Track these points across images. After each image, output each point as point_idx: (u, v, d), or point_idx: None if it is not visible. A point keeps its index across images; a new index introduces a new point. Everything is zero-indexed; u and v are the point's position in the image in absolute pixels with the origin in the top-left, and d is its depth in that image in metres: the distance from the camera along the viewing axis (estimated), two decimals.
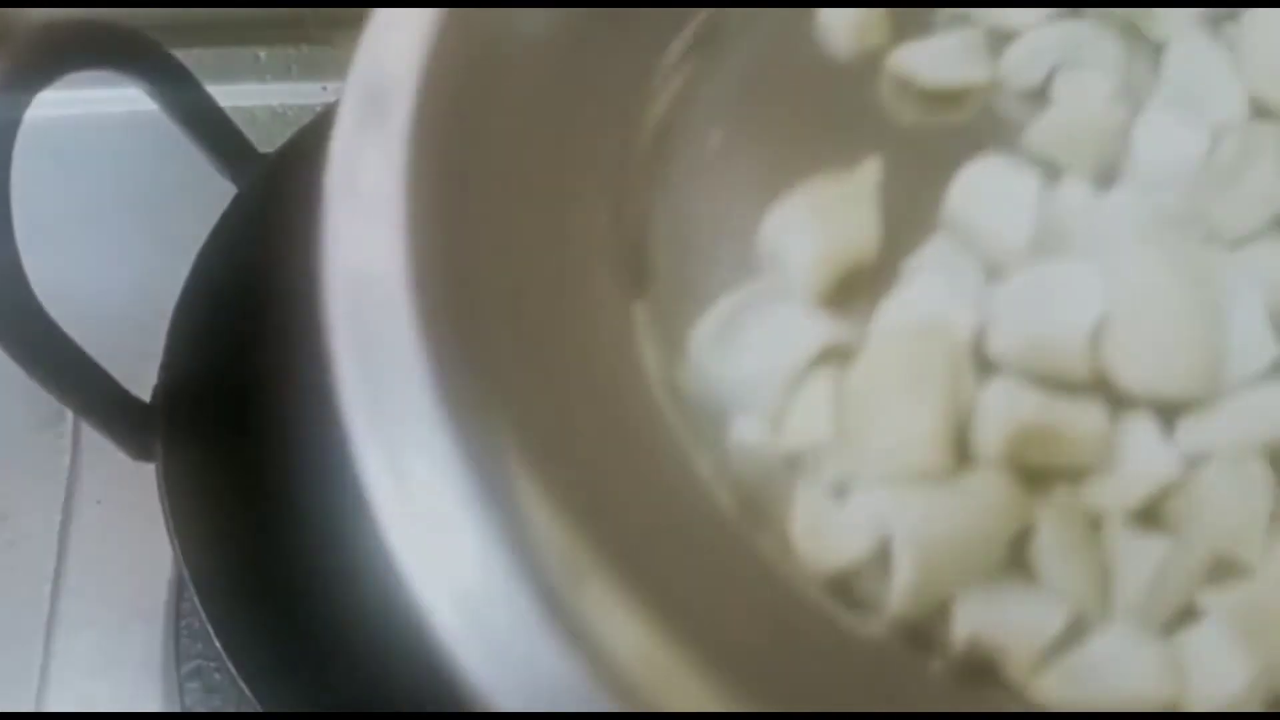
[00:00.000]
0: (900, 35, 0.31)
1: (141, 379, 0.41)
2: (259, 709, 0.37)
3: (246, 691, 0.37)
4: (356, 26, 0.72)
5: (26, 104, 0.34)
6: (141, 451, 0.39)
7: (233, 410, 0.43)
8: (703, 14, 0.31)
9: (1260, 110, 0.31)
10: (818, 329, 0.27)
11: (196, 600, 0.37)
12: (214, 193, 0.45)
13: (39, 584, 0.51)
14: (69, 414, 0.56)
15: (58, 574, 0.52)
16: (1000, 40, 0.32)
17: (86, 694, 0.49)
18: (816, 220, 0.27)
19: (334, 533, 0.44)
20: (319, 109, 0.66)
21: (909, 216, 0.29)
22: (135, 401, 0.39)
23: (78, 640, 0.51)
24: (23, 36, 0.35)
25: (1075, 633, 0.24)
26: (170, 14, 0.67)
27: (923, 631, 0.25)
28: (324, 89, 0.67)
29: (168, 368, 0.40)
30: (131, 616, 0.51)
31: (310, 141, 0.45)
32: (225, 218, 0.43)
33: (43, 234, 0.50)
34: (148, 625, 0.51)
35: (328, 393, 0.43)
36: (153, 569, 0.52)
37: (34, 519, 0.53)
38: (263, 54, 0.67)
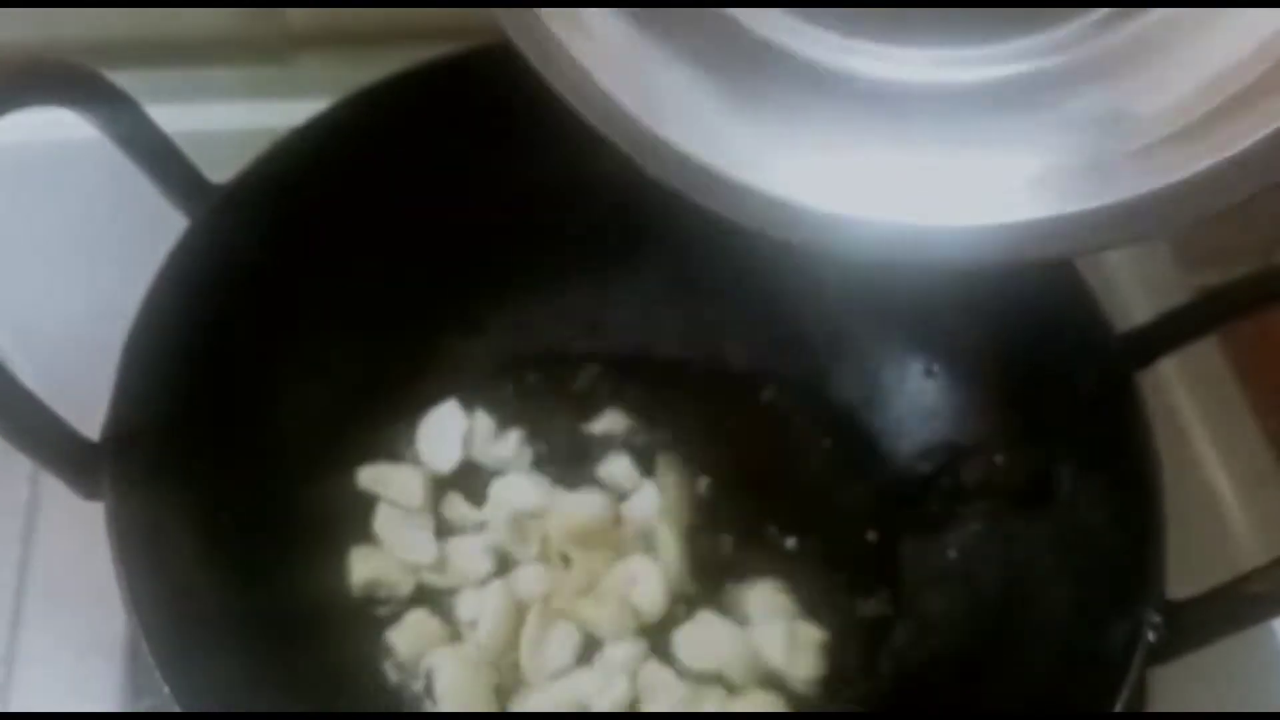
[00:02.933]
0: None
1: (89, 415, 0.40)
2: None
3: None
4: (311, 47, 0.71)
5: None
6: (90, 490, 0.39)
7: (182, 449, 0.42)
8: None
9: None
10: None
11: (145, 642, 0.36)
12: (166, 223, 0.45)
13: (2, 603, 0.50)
14: None
15: (17, 608, 0.51)
16: None
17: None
18: None
19: (282, 574, 0.44)
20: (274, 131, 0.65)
21: None
22: (83, 441, 0.38)
23: (37, 674, 0.50)
24: None
25: None
26: (121, 34, 0.66)
27: None
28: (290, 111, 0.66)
29: (117, 406, 0.39)
30: (90, 651, 0.50)
31: (260, 175, 0.44)
32: (176, 252, 0.42)
33: None
34: (106, 661, 0.50)
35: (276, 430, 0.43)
36: (111, 604, 0.50)
37: None
38: (219, 75, 0.67)
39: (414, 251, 0.49)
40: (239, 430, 0.45)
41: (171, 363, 0.42)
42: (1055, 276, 0.44)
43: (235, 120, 0.65)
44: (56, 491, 0.53)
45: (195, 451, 0.43)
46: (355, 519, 0.48)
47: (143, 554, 0.38)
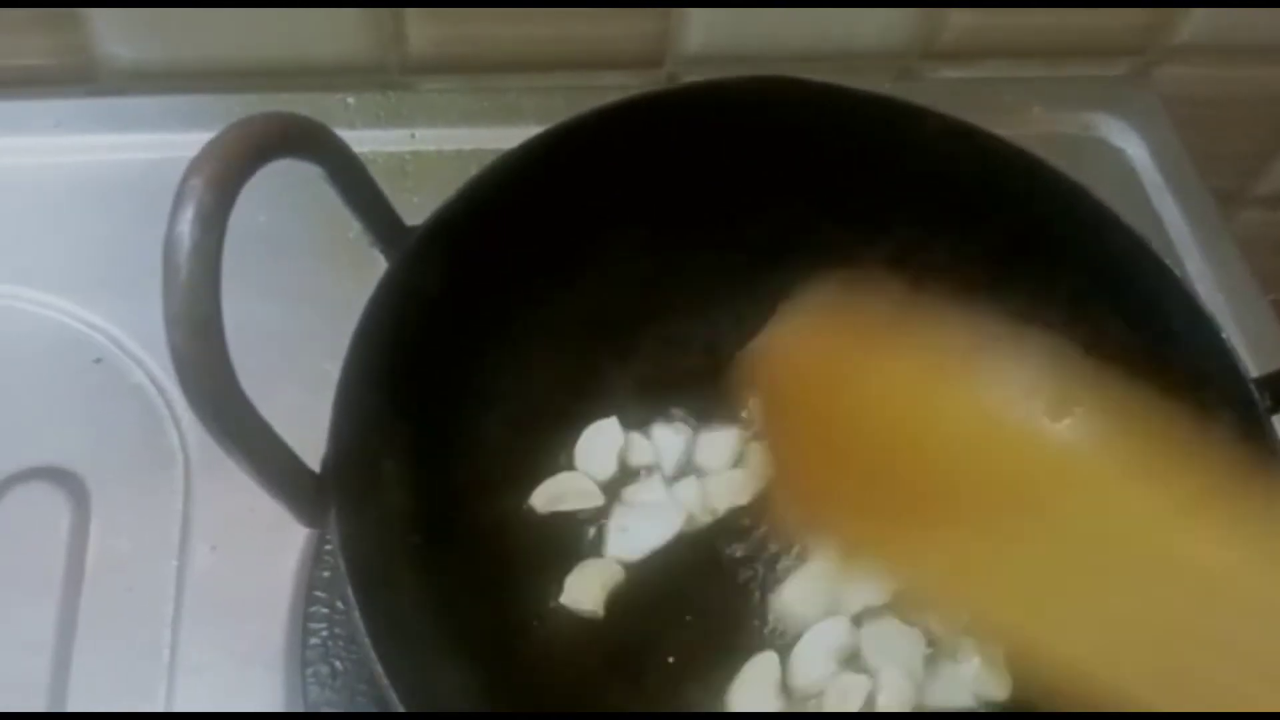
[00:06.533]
0: None
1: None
2: None
3: None
4: (440, 72, 0.74)
5: (235, 195, 0.36)
6: (313, 518, 0.41)
7: (381, 479, 0.45)
8: None
9: None
10: None
11: (373, 658, 0.39)
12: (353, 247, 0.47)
13: (158, 630, 0.53)
14: (180, 459, 0.57)
15: (176, 619, 0.53)
16: None
17: None
18: None
19: (505, 591, 0.46)
20: (408, 156, 0.68)
21: None
22: (309, 471, 0.41)
23: (199, 685, 0.52)
24: (225, 136, 0.36)
25: None
26: (257, 60, 0.69)
27: None
28: (412, 136, 0.69)
29: (337, 439, 0.41)
30: (251, 661, 0.52)
31: (451, 217, 0.47)
32: (378, 293, 0.45)
33: None
34: (268, 670, 0.52)
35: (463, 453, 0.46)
36: (269, 613, 0.53)
37: (150, 565, 0.54)
38: (351, 100, 0.69)
39: (578, 284, 0.52)
40: (425, 456, 0.47)
41: (372, 398, 0.44)
42: (1195, 328, 0.48)
43: (363, 145, 0.67)
44: (209, 502, 0.56)
45: (391, 478, 0.45)
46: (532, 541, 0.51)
47: (362, 571, 0.40)
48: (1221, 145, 0.85)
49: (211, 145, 0.36)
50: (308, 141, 0.40)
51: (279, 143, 0.38)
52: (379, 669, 0.38)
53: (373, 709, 0.49)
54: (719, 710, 0.47)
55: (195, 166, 0.35)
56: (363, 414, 0.43)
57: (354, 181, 0.43)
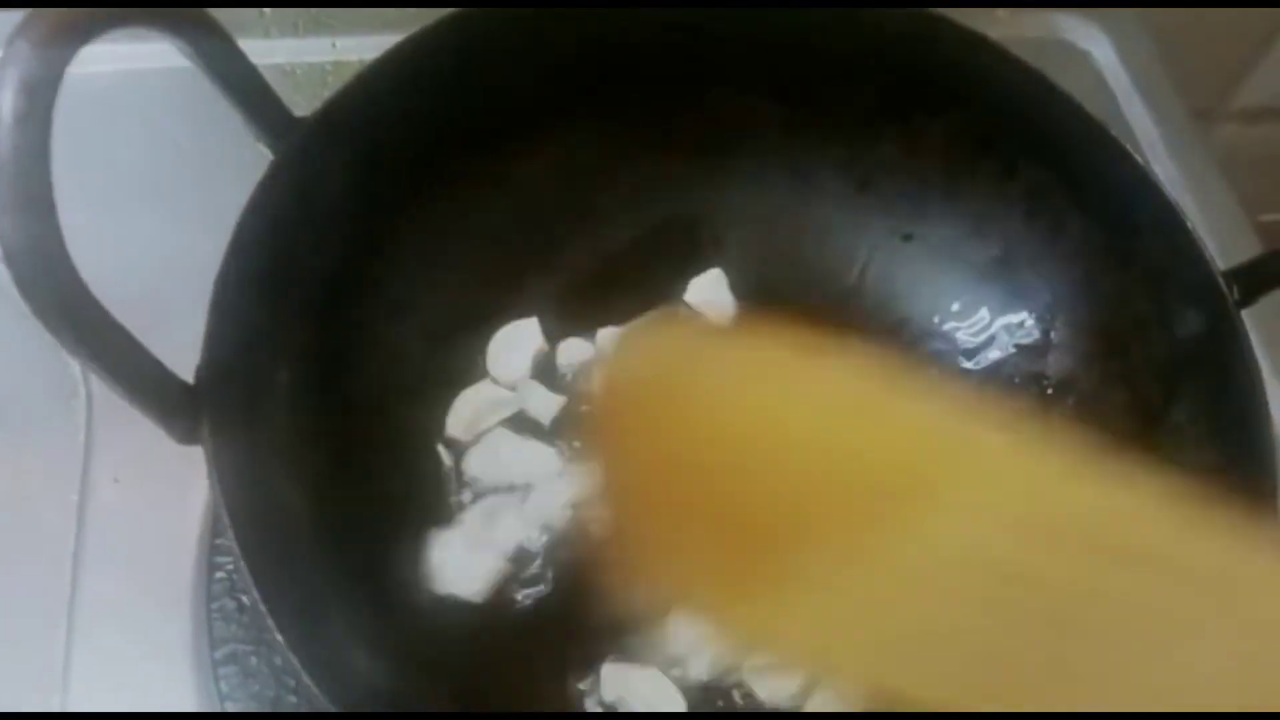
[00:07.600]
0: None
1: (172, 353, 0.38)
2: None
3: (309, 681, 0.35)
4: None
5: (66, 62, 0.32)
6: (186, 434, 0.37)
7: (269, 389, 0.41)
8: None
9: None
10: None
11: (254, 590, 0.35)
12: (248, 154, 0.43)
13: (58, 565, 0.49)
14: (82, 390, 0.54)
15: (77, 554, 0.50)
16: None
17: (114, 678, 0.47)
18: None
19: (384, 501, 0.43)
20: (328, 66, 0.64)
21: None
22: (181, 383, 0.37)
23: (101, 622, 0.49)
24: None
25: None
26: None
27: None
28: (333, 45, 0.64)
29: (211, 347, 0.38)
30: (155, 598, 0.49)
31: (344, 108, 0.43)
32: (262, 188, 0.41)
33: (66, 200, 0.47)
34: (174, 606, 0.49)
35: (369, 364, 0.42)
36: (174, 548, 0.50)
37: (51, 498, 0.51)
38: (267, 11, 0.65)
39: (500, 182, 0.48)
40: (324, 366, 0.43)
41: (260, 302, 0.40)
42: (1160, 219, 0.44)
43: (280, 56, 0.63)
44: (112, 433, 0.52)
45: (282, 391, 0.42)
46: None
47: (242, 498, 0.37)
48: (1198, 57, 0.81)
49: (40, 9, 0.32)
50: (173, 15, 0.36)
51: (124, 5, 0.34)
52: (250, 579, 0.35)
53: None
54: None
55: (20, 30, 0.31)
56: (244, 318, 0.39)
57: (230, 67, 0.39)
